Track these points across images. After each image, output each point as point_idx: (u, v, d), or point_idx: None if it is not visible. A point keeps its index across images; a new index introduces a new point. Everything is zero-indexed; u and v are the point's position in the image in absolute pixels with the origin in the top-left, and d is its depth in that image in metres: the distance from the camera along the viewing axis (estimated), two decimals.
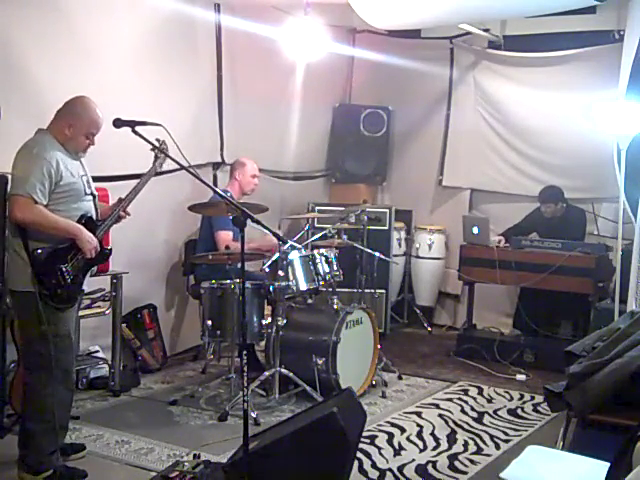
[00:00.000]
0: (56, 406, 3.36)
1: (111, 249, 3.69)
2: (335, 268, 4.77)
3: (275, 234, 3.17)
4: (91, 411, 4.37)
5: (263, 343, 4.78)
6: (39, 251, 3.29)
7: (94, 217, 3.54)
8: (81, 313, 4.26)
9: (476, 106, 6.78)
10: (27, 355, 3.50)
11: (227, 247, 4.56)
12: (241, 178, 5.18)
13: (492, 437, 4.12)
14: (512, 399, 4.83)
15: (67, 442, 3.67)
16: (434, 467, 3.68)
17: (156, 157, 3.80)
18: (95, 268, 3.66)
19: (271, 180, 6.23)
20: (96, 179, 3.69)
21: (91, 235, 3.41)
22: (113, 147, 4.13)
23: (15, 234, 3.32)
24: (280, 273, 4.50)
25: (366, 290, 5.62)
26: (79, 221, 3.42)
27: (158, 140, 3.45)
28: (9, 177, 3.52)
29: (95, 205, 3.59)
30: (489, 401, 4.79)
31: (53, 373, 3.33)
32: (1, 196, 3.70)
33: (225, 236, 4.92)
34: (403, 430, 4.20)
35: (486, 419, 4.42)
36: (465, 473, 3.63)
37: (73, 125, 3.41)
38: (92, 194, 3.57)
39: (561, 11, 5.38)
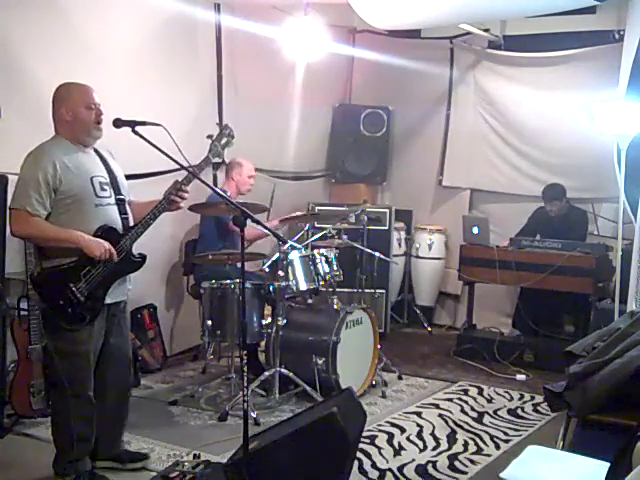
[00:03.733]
0: (74, 419, 3.28)
1: (144, 256, 3.43)
2: (335, 268, 4.77)
3: (275, 234, 3.18)
4: None
5: (263, 343, 4.78)
6: (36, 274, 3.21)
7: (119, 226, 3.31)
8: None
9: (476, 106, 6.78)
10: (47, 368, 3.50)
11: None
12: (238, 178, 5.18)
13: (492, 437, 4.11)
14: (512, 399, 4.82)
15: (127, 449, 3.67)
16: (434, 467, 3.68)
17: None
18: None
19: (271, 180, 6.23)
20: None
21: (97, 239, 3.18)
22: (113, 147, 4.11)
23: (34, 248, 3.30)
24: (280, 273, 4.50)
25: (366, 290, 5.63)
26: (96, 233, 3.20)
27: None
28: (9, 177, 3.51)
29: (123, 211, 3.36)
30: (489, 401, 4.79)
31: (65, 389, 3.25)
32: (1, 196, 3.71)
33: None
34: (403, 430, 4.20)
35: (486, 419, 4.42)
36: (465, 473, 3.62)
37: (68, 107, 3.22)
38: (117, 198, 3.34)
39: (561, 11, 5.38)
